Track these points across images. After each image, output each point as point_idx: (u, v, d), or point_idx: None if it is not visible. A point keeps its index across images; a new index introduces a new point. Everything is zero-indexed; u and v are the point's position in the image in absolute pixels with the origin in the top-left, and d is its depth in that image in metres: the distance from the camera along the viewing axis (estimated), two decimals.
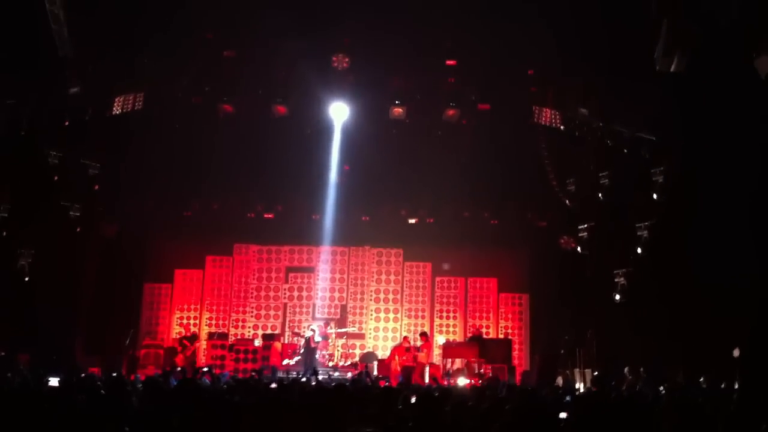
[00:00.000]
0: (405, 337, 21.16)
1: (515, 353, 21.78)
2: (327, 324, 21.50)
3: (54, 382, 8.71)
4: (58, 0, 16.20)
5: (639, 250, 19.09)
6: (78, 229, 20.50)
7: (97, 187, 21.11)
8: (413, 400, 9.07)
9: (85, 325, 20.86)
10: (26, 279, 18.98)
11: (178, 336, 21.44)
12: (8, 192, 18.46)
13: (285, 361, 20.59)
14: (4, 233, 18.48)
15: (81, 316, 20.79)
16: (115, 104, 20.36)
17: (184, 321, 22.88)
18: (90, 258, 21.42)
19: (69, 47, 17.39)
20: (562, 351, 20.26)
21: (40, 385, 9.14)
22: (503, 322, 23.11)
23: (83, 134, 20.10)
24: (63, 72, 18.15)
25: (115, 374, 14.75)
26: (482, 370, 19.09)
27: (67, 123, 19.69)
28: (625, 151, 18.96)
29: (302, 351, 20.23)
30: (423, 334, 20.61)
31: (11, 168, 18.28)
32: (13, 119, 18.23)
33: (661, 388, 14.91)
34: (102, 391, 8.56)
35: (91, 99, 19.71)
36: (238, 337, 22.13)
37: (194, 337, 21.00)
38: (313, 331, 20.66)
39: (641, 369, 17.02)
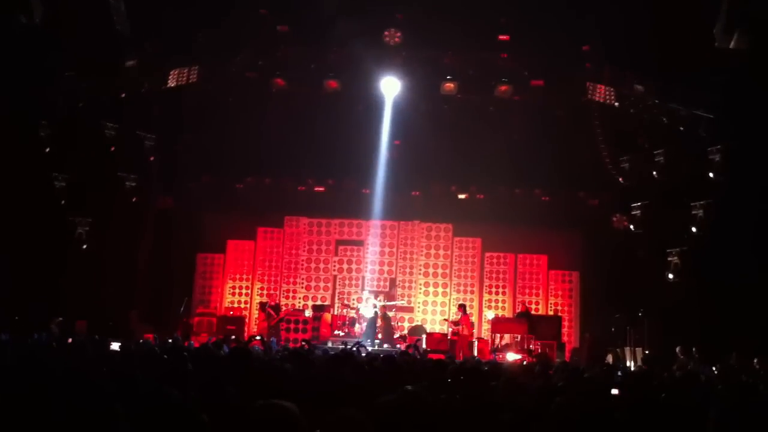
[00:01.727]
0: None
1: (564, 330, 21.69)
2: (376, 296, 21.61)
3: (115, 346, 8.97)
4: None
5: (694, 230, 18.78)
6: (134, 200, 20.92)
7: (152, 159, 21.49)
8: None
9: (140, 293, 21.31)
10: (84, 247, 19.45)
11: (265, 303, 21.46)
12: (67, 162, 18.88)
13: (335, 332, 20.82)
14: (63, 202, 18.94)
15: (136, 284, 21.25)
16: (171, 78, 20.67)
17: (242, 291, 23.30)
18: (145, 228, 21.86)
19: (126, 22, 17.70)
20: (613, 329, 20.09)
21: (102, 348, 9.42)
22: (553, 299, 23.01)
23: (139, 107, 20.47)
24: (120, 46, 18.48)
25: (171, 340, 15.08)
26: (531, 346, 19.06)
27: (123, 95, 20.05)
28: (682, 129, 18.63)
29: (367, 324, 20.37)
30: (460, 306, 20.60)
31: (70, 139, 18.69)
32: (72, 92, 18.63)
33: (714, 368, 14.76)
34: (161, 356, 8.79)
35: (147, 72, 20.04)
36: (289, 307, 22.41)
37: (278, 307, 21.15)
38: (376, 306, 20.80)
39: (693, 349, 16.82)
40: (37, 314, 16.53)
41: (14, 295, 16.27)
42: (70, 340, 13.81)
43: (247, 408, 3.90)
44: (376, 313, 20.56)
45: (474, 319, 22.44)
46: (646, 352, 18.30)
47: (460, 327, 20.02)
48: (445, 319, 21.99)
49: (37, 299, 16.95)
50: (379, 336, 20.59)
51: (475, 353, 18.92)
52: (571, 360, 18.59)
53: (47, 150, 18.42)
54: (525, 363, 13.05)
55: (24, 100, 16.80)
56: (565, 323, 22.03)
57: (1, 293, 15.81)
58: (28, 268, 16.86)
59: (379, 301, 21.42)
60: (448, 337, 20.17)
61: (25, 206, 17.10)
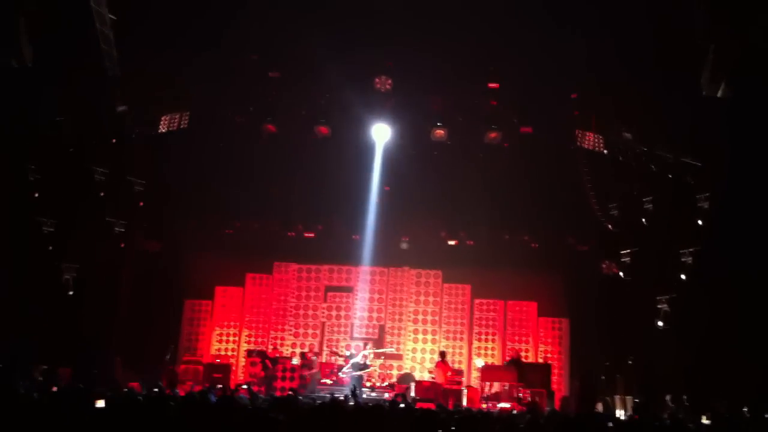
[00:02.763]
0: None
1: (554, 378, 21.50)
2: (365, 344, 21.43)
3: (101, 403, 8.82)
4: (109, 20, 16.64)
5: (683, 277, 18.81)
6: (122, 245, 20.80)
7: (141, 204, 21.43)
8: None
9: (126, 340, 21.08)
10: (70, 293, 19.28)
11: (257, 351, 21.20)
12: (55, 207, 18.81)
13: (323, 380, 20.59)
14: (50, 248, 18.83)
15: (122, 331, 21.03)
16: (161, 123, 20.75)
17: (232, 338, 23.05)
18: (133, 274, 21.70)
19: (117, 67, 17.80)
20: (602, 377, 19.97)
21: (85, 404, 9.25)
22: (542, 347, 22.86)
23: (129, 152, 20.49)
24: (111, 90, 18.57)
25: (156, 389, 14.86)
26: (521, 395, 18.89)
27: (114, 140, 20.08)
28: (670, 176, 18.76)
29: (354, 366, 20.11)
30: (440, 353, 20.62)
31: (59, 183, 18.66)
32: (62, 136, 18.65)
33: (704, 418, 14.65)
34: (143, 407, 8.65)
35: (138, 117, 20.11)
36: (277, 355, 22.15)
37: (276, 360, 20.79)
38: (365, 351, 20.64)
39: (684, 397, 16.72)
40: (21, 361, 16.30)
41: None
42: (54, 388, 13.61)
43: None
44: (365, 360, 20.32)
45: (464, 366, 22.27)
46: (636, 400, 18.16)
47: (434, 374, 19.96)
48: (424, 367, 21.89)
49: (22, 346, 16.73)
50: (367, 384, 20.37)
51: (465, 402, 18.72)
52: (561, 408, 18.42)
53: (35, 195, 18.36)
54: (515, 412, 12.91)
55: (13, 143, 16.79)
56: (555, 371, 21.85)
57: None
58: (13, 313, 16.68)
59: (368, 348, 21.23)
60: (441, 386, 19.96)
61: (11, 251, 16.99)
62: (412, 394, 19.13)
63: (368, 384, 20.44)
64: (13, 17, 15.59)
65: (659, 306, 19.46)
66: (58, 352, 17.89)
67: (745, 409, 14.87)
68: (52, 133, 18.24)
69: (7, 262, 16.89)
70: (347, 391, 16.95)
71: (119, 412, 8.63)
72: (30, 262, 17.84)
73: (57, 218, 18.80)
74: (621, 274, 21.11)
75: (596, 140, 20.63)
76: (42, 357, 17.58)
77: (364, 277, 23.30)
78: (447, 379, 19.86)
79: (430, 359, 22.26)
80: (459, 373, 21.11)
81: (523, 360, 21.26)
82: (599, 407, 18.78)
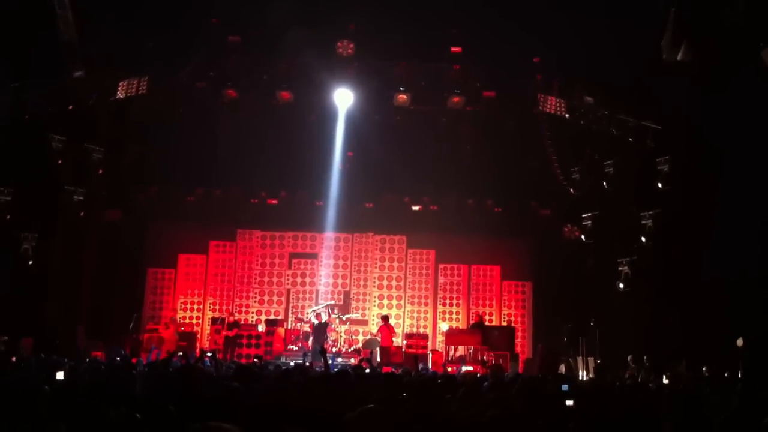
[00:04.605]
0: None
1: (518, 341, 21.78)
2: (331, 309, 21.44)
3: (60, 375, 8.72)
4: None
5: (643, 240, 19.05)
6: (81, 214, 20.47)
7: (101, 172, 21.07)
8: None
9: (89, 310, 20.86)
10: (29, 263, 18.98)
11: (220, 319, 21.14)
12: (12, 176, 18.44)
13: (289, 347, 20.61)
14: (8, 217, 18.48)
15: (84, 300, 20.81)
16: (119, 89, 20.33)
17: (192, 306, 22.95)
18: (93, 242, 21.41)
19: (73, 32, 17.39)
20: (565, 339, 20.24)
21: (47, 373, 9.14)
22: (506, 310, 23.10)
23: (87, 119, 20.08)
24: (67, 56, 18.13)
25: (118, 359, 14.76)
26: (485, 358, 19.09)
27: (71, 107, 19.65)
28: (630, 140, 18.91)
29: (315, 328, 20.10)
30: (382, 317, 20.98)
31: (15, 152, 18.26)
32: (17, 103, 18.21)
33: (664, 377, 14.93)
34: (106, 376, 8.57)
35: (95, 84, 19.69)
36: (242, 322, 22.09)
37: (237, 324, 20.72)
38: (323, 309, 20.66)
39: (644, 358, 17.01)
40: None
41: None
42: (14, 358, 13.45)
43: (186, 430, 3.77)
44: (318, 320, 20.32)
45: (429, 331, 22.43)
46: (598, 361, 18.45)
47: (378, 337, 20.32)
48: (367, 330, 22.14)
49: None
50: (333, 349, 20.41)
51: (430, 365, 18.87)
52: (524, 371, 18.65)
53: None
54: (478, 375, 13.03)
55: None
56: (519, 334, 22.12)
57: None
58: None
59: (333, 314, 21.25)
60: (403, 350, 20.12)
61: None
62: (378, 359, 19.24)
63: (334, 350, 20.49)
64: None
65: (620, 268, 19.71)
66: (20, 323, 17.65)
67: (704, 369, 15.19)
68: (8, 100, 17.79)
69: None
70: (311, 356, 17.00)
71: (80, 383, 8.55)
72: None
73: (14, 187, 18.42)
74: (583, 237, 21.32)
75: (558, 104, 20.67)
76: (3, 328, 17.34)
77: (328, 243, 23.28)
78: (392, 342, 20.10)
79: (396, 324, 22.32)
80: (424, 337, 21.26)
81: (487, 323, 21.46)
82: (562, 369, 19.05)
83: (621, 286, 19.56)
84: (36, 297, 18.43)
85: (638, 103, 18.16)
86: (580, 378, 17.90)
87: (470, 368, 17.64)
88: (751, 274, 15.14)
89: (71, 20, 17.36)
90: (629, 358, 17.37)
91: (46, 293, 18.82)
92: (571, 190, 21.59)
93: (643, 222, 19.13)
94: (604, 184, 20.15)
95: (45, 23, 16.99)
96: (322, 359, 11.19)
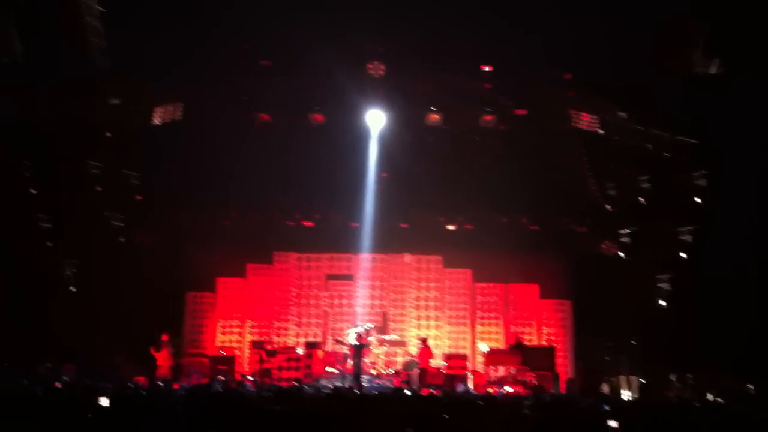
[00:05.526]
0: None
1: (559, 361, 21.47)
2: (369, 331, 21.33)
3: (104, 401, 8.80)
4: (98, 13, 16.53)
5: (682, 254, 18.81)
6: (121, 239, 20.73)
7: (138, 197, 21.34)
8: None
9: (130, 334, 21.03)
10: (71, 289, 19.25)
11: (260, 343, 21.12)
12: (52, 204, 18.76)
13: (328, 369, 20.57)
14: (49, 244, 18.79)
15: (125, 325, 20.99)
16: (155, 115, 20.64)
17: (229, 330, 23.04)
18: (133, 267, 21.63)
19: (108, 59, 17.69)
20: (607, 358, 19.97)
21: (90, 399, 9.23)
22: (546, 329, 22.83)
23: (124, 145, 20.39)
24: (102, 84, 18.46)
25: (161, 383, 14.86)
26: (526, 378, 18.91)
27: (107, 134, 19.98)
28: (666, 154, 18.72)
29: (354, 349, 19.90)
30: (421, 339, 20.81)
31: (54, 179, 18.58)
32: (56, 132, 18.55)
33: (709, 395, 14.68)
34: (146, 401, 8.64)
35: (130, 110, 19.99)
36: (281, 345, 22.11)
37: (274, 353, 20.73)
38: (362, 330, 20.45)
39: (688, 375, 16.75)
40: (25, 359, 16.31)
41: (2, 341, 16.07)
42: (57, 384, 13.61)
43: None
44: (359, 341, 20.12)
45: (468, 351, 22.24)
46: (641, 380, 18.18)
47: (418, 359, 20.20)
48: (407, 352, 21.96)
49: (26, 343, 16.74)
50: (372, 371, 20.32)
51: (471, 387, 18.75)
52: (566, 391, 18.43)
53: (32, 191, 18.30)
54: (519, 395, 12.92)
55: (8, 140, 16.73)
56: (560, 353, 21.83)
57: None
58: (16, 312, 16.68)
59: (371, 335, 21.15)
60: (442, 371, 19.99)
61: (11, 249, 16.96)
62: (417, 380, 19.14)
63: (373, 371, 20.41)
64: (2, 13, 15.48)
65: (660, 285, 19.47)
66: (63, 349, 17.88)
67: (750, 386, 14.92)
68: (46, 128, 18.13)
69: (8, 260, 16.85)
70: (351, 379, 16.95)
71: (123, 408, 8.61)
72: (30, 259, 17.80)
73: (54, 214, 18.73)
74: (621, 254, 21.09)
75: (591, 120, 20.54)
76: (46, 354, 17.56)
77: (364, 264, 23.25)
78: (429, 365, 19.97)
79: (435, 345, 22.16)
80: (463, 358, 21.09)
81: (526, 343, 21.27)
82: (605, 388, 18.81)
83: (661, 302, 19.30)
84: (78, 323, 18.65)
85: (672, 117, 17.99)
86: (624, 397, 17.65)
87: (510, 389, 17.50)
88: None
89: (105, 47, 17.68)
90: (673, 376, 17.12)
91: (87, 319, 19.04)
92: (607, 206, 21.38)
93: (681, 237, 18.90)
94: (641, 199, 19.95)
95: (79, 51, 17.30)
96: (359, 382, 11.17)
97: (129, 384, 14.91)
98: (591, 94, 20.62)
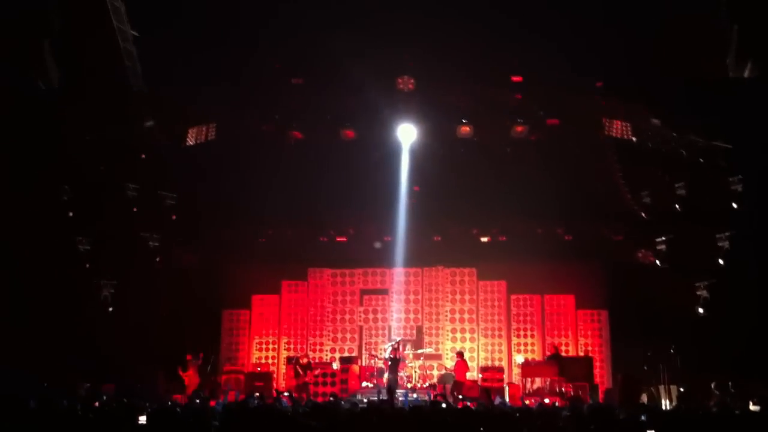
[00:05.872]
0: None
1: (596, 371, 21.28)
2: (403, 345, 21.29)
3: (143, 419, 8.91)
4: (131, 37, 16.82)
5: (720, 261, 18.54)
6: (157, 259, 20.98)
7: (174, 217, 21.60)
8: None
9: (167, 353, 21.23)
10: (109, 310, 19.50)
11: (294, 358, 21.17)
12: (90, 226, 19.05)
13: (364, 384, 20.58)
14: (88, 266, 19.06)
15: (162, 344, 21.19)
16: (189, 136, 20.92)
17: (269, 346, 23.16)
18: (169, 287, 21.87)
19: (142, 82, 17.99)
20: (645, 368, 19.70)
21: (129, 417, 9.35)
22: (582, 339, 22.64)
23: (159, 166, 20.68)
24: (137, 106, 18.75)
25: (198, 401, 14.98)
26: (563, 389, 18.73)
27: (143, 156, 20.27)
28: (701, 160, 18.50)
29: (390, 365, 19.81)
30: (457, 353, 20.81)
31: (92, 202, 18.89)
32: (92, 155, 18.87)
33: (751, 403, 14.43)
34: (184, 419, 8.71)
35: (165, 132, 20.29)
36: (316, 360, 22.21)
37: (309, 366, 20.81)
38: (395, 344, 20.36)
39: (729, 384, 16.47)
40: (64, 380, 16.54)
41: (42, 362, 16.31)
42: (96, 403, 13.77)
43: None
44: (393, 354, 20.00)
45: (504, 363, 22.13)
46: (681, 389, 17.92)
47: (454, 373, 20.20)
48: (442, 365, 21.98)
49: (65, 364, 16.97)
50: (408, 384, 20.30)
51: (507, 399, 18.62)
52: (604, 401, 18.23)
53: (70, 214, 18.61)
54: (556, 405, 12.81)
55: (45, 165, 17.03)
56: (597, 364, 21.63)
57: (29, 359, 15.85)
58: (55, 333, 16.92)
59: (407, 349, 21.13)
60: (479, 384, 19.90)
61: (50, 271, 17.23)
62: (455, 393, 19.06)
63: (408, 385, 20.38)
64: (39, 40, 15.81)
65: (698, 292, 19.20)
66: (101, 369, 18.11)
67: None
68: (83, 152, 18.45)
69: (47, 281, 17.13)
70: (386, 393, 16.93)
71: (161, 426, 8.69)
72: (68, 280, 18.08)
73: (92, 236, 19.02)
74: (657, 262, 20.84)
75: (624, 128, 20.38)
76: (85, 374, 17.80)
77: (398, 278, 23.29)
78: (465, 378, 19.90)
79: (470, 358, 22.07)
80: (500, 370, 20.97)
81: (564, 354, 21.09)
82: (644, 398, 18.56)
83: (700, 310, 19.04)
84: (116, 342, 18.88)
85: (706, 123, 17.79)
86: (664, 407, 17.40)
87: (547, 400, 17.35)
88: None
89: (139, 71, 17.97)
90: (713, 384, 16.84)
91: (125, 339, 19.27)
92: (643, 214, 21.17)
93: (719, 244, 18.63)
94: (677, 206, 19.72)
95: (114, 76, 17.60)
96: (392, 396, 11.15)
97: (167, 402, 15.04)
98: (623, 101, 20.49)
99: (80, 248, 19.05)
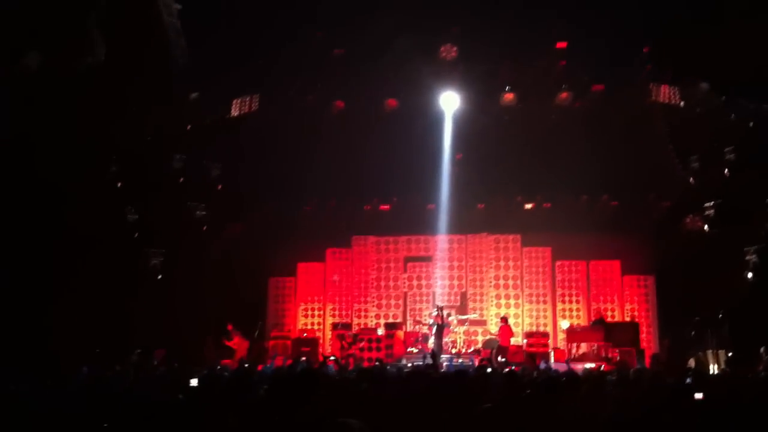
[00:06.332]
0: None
1: (643, 336, 21.18)
2: (447, 311, 21.38)
3: (194, 382, 9.15)
4: (175, 11, 16.97)
5: None
6: (204, 229, 21.30)
7: (220, 187, 21.87)
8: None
9: (216, 320, 21.61)
10: (158, 278, 19.88)
11: (342, 335, 21.39)
12: (139, 196, 19.40)
13: (409, 349, 20.76)
14: (136, 235, 19.44)
15: (210, 312, 21.57)
16: (233, 107, 21.11)
17: (316, 314, 23.47)
18: (216, 255, 22.20)
19: (186, 55, 18.17)
20: (693, 333, 19.54)
21: (182, 380, 9.60)
22: (628, 305, 22.49)
23: (204, 137, 20.92)
24: (182, 78, 18.95)
25: (246, 365, 15.25)
26: (609, 354, 18.69)
27: (188, 127, 20.52)
28: (751, 123, 18.14)
29: (434, 331, 20.04)
30: (502, 318, 20.97)
31: (139, 172, 19.21)
32: (139, 126, 19.16)
33: None
34: (233, 382, 8.90)
35: (210, 103, 20.50)
36: (362, 326, 22.44)
37: (356, 339, 21.03)
38: (440, 309, 20.49)
39: None
40: (116, 346, 16.96)
41: (94, 329, 16.72)
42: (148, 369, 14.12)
43: (316, 428, 3.93)
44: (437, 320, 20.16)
45: (549, 329, 22.11)
46: (729, 354, 17.75)
47: (499, 338, 20.30)
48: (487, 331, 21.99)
49: (116, 331, 17.39)
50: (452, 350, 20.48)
51: (553, 363, 18.65)
52: (651, 366, 18.15)
53: (119, 185, 18.96)
54: (602, 370, 12.80)
55: (93, 138, 17.32)
56: (643, 329, 21.51)
57: (82, 327, 16.26)
58: (106, 301, 17.32)
59: (451, 315, 21.26)
60: (524, 349, 19.96)
61: (99, 242, 17.60)
62: (499, 358, 19.15)
63: (453, 351, 20.52)
64: (84, 15, 16.02)
65: (747, 257, 18.91)
66: (152, 335, 18.52)
67: None
68: (130, 124, 18.73)
69: (97, 253, 17.50)
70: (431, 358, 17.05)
71: (212, 389, 8.91)
72: (118, 250, 18.46)
73: (140, 206, 19.37)
74: (706, 227, 20.55)
75: (671, 93, 20.04)
76: (137, 340, 18.23)
77: (442, 245, 23.33)
78: (510, 343, 19.97)
79: (515, 324, 22.08)
80: (545, 335, 20.99)
81: (609, 320, 21.01)
82: (691, 363, 18.44)
83: (750, 275, 18.77)
84: (165, 310, 19.28)
85: (756, 85, 17.40)
86: (711, 372, 17.28)
87: (592, 365, 17.33)
88: None
89: (184, 44, 18.13)
90: (762, 349, 16.65)
91: (174, 306, 19.66)
92: (691, 179, 20.86)
93: None
94: (726, 171, 19.40)
95: (159, 49, 17.78)
96: (436, 361, 11.23)
97: (216, 366, 15.36)
98: (670, 66, 20.13)
99: (129, 218, 19.40)
